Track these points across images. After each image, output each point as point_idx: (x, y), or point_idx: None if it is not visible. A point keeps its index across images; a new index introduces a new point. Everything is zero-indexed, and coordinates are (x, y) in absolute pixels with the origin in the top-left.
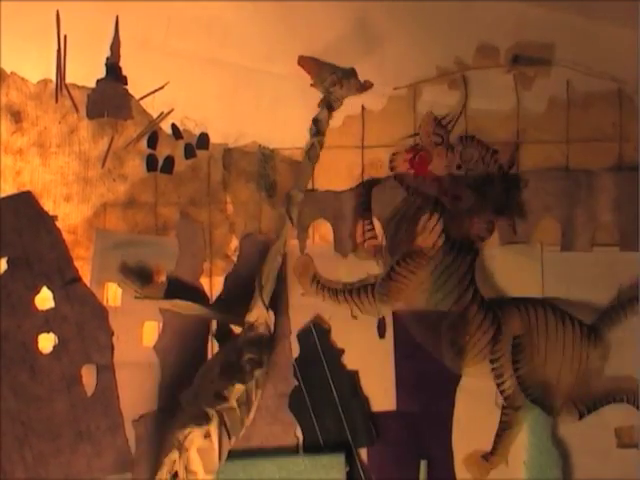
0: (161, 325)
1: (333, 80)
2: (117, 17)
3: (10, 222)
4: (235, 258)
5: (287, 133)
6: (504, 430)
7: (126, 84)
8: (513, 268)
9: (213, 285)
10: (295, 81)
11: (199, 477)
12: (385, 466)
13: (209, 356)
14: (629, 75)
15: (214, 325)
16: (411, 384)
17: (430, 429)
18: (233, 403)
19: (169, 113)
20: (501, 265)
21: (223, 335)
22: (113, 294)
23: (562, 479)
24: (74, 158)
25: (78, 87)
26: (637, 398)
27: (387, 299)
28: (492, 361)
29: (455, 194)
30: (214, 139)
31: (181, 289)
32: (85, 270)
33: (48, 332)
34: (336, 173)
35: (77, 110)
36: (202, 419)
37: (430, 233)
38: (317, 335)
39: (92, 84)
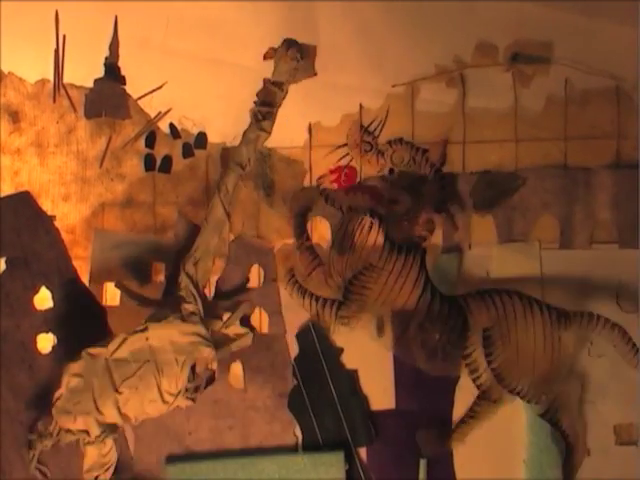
0: None
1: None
2: (116, 17)
3: (9, 222)
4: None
5: (285, 132)
6: (471, 418)
7: (124, 84)
8: (511, 266)
9: (212, 284)
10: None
11: None
12: (385, 465)
13: None
14: (628, 73)
15: None
16: (410, 383)
17: (430, 427)
18: None
19: (167, 112)
20: (499, 264)
21: None
22: (112, 293)
23: (562, 477)
24: (72, 158)
25: (76, 87)
26: None
27: (348, 321)
28: (465, 357)
29: (392, 198)
30: (212, 138)
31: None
32: (84, 270)
33: (47, 332)
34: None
35: (75, 110)
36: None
37: (374, 244)
38: (316, 334)
39: (90, 84)
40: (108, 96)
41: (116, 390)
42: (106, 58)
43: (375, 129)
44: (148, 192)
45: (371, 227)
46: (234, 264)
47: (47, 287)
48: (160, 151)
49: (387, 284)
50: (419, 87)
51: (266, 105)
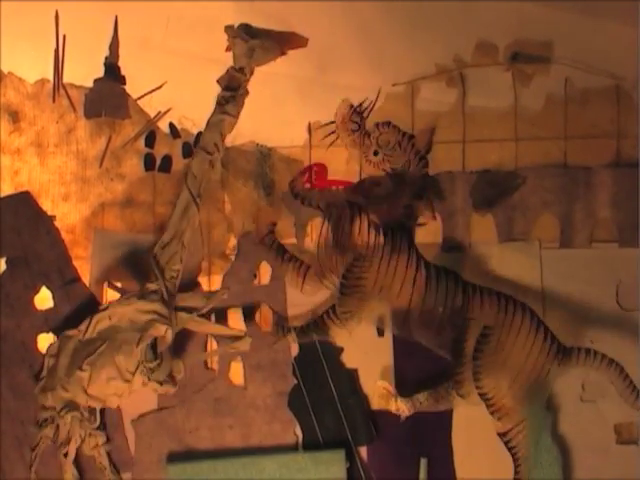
0: None
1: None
2: (116, 17)
3: (9, 222)
4: (234, 257)
5: (285, 132)
6: (431, 398)
7: (124, 84)
8: (512, 265)
9: (212, 283)
10: (293, 81)
11: None
12: (385, 464)
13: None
14: (628, 72)
15: None
16: (411, 382)
17: (430, 427)
18: None
19: (167, 112)
20: (499, 263)
21: None
22: (112, 293)
23: (562, 476)
24: (72, 158)
25: (76, 87)
26: None
27: (350, 315)
28: (456, 341)
29: (373, 181)
30: None
31: None
32: (84, 269)
33: (47, 332)
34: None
35: (75, 110)
36: None
37: (359, 234)
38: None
39: (90, 84)
40: (108, 96)
41: (80, 368)
42: (106, 58)
43: (364, 110)
44: (148, 192)
45: (352, 218)
46: (242, 261)
47: (48, 287)
48: (160, 151)
49: (380, 270)
50: (419, 86)
51: (229, 90)
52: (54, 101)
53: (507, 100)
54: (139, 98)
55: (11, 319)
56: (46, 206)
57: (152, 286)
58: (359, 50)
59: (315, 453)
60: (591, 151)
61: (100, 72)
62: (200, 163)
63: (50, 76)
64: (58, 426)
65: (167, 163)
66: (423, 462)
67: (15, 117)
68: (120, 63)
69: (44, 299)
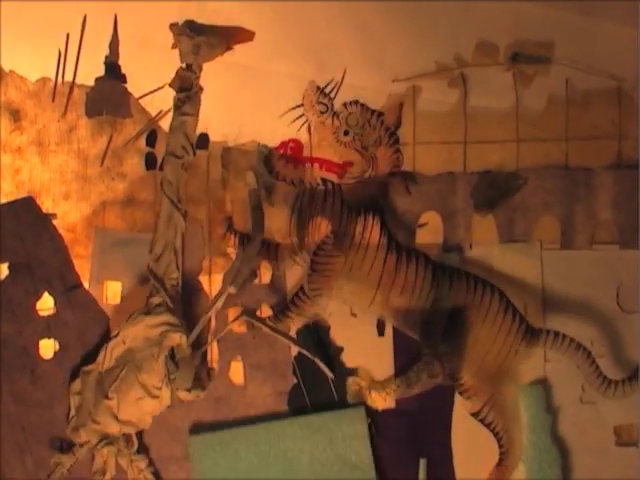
0: None
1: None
2: (115, 16)
3: (12, 227)
4: (234, 256)
5: (285, 132)
6: (405, 381)
7: (126, 82)
8: (512, 266)
9: (212, 283)
10: (294, 80)
11: None
12: (385, 464)
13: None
14: (628, 73)
15: None
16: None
17: (430, 427)
18: None
19: (168, 111)
20: (500, 263)
21: None
22: (113, 292)
23: (561, 477)
24: (73, 156)
25: (77, 85)
26: None
27: (320, 292)
28: (426, 322)
29: (346, 161)
30: (213, 137)
31: None
32: (84, 268)
33: (49, 338)
34: None
35: (66, 109)
36: None
37: (331, 211)
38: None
39: (91, 82)
40: (109, 95)
41: (106, 397)
42: (106, 57)
43: (331, 91)
44: (149, 191)
45: (325, 196)
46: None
47: (50, 293)
48: (161, 150)
49: (351, 249)
50: (420, 87)
51: (183, 90)
52: (53, 100)
53: (508, 101)
54: (140, 97)
55: (13, 324)
56: (47, 205)
57: (155, 300)
58: (359, 50)
59: (337, 411)
60: (592, 152)
61: (101, 71)
62: (172, 169)
63: (51, 75)
64: (94, 456)
65: None
66: (422, 462)
67: (16, 116)
68: (121, 62)
69: (46, 305)
